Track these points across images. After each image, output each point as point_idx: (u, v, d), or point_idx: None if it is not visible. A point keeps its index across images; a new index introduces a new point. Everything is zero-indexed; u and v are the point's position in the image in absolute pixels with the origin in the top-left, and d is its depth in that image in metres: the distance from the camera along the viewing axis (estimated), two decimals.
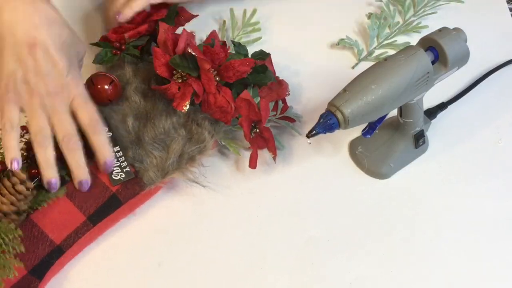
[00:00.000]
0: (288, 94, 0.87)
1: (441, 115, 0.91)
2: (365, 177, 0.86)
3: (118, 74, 0.85)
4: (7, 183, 0.72)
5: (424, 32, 0.96)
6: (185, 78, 0.80)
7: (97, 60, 0.87)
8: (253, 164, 0.82)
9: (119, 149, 0.79)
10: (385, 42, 1.00)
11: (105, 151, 0.74)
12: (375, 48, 0.99)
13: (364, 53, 0.99)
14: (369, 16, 1.02)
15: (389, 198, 0.84)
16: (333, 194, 0.84)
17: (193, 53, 0.77)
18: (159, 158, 0.79)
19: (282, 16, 1.02)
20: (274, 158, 0.83)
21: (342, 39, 0.98)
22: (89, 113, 0.74)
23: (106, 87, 0.81)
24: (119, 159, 0.79)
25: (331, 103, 0.73)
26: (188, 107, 0.78)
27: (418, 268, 0.79)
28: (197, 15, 0.94)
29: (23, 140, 0.78)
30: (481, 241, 0.81)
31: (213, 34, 0.88)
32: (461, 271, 0.79)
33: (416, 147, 0.85)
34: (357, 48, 0.98)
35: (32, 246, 0.74)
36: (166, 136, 0.80)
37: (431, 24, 1.00)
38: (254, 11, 0.99)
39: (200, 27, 0.97)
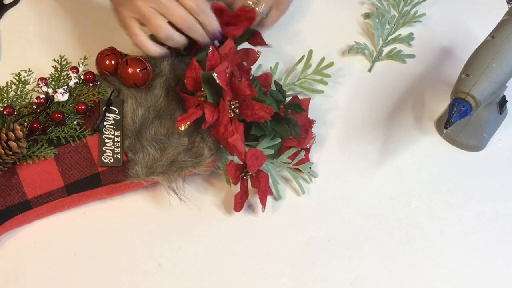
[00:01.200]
0: (309, 147, 0.86)
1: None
2: (365, 178, 0.87)
3: (155, 62, 0.86)
4: (2, 135, 0.75)
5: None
6: (202, 99, 0.80)
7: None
8: (237, 207, 0.81)
9: (119, 134, 0.81)
10: (390, 38, 0.99)
11: (213, 24, 0.83)
12: (382, 46, 0.99)
13: (374, 54, 0.98)
14: (365, 16, 1.01)
15: (389, 198, 0.86)
16: (333, 194, 0.86)
17: (217, 81, 0.77)
18: (152, 156, 0.80)
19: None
20: (262, 209, 0.82)
21: (352, 46, 0.98)
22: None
23: (138, 71, 0.82)
24: (116, 143, 0.80)
25: (459, 90, 0.76)
26: (186, 127, 0.78)
27: (418, 268, 0.80)
28: (270, 46, 0.93)
29: (40, 91, 0.81)
30: (480, 241, 0.83)
31: (267, 75, 0.88)
32: (461, 271, 0.80)
33: (500, 113, 0.89)
34: (368, 50, 0.98)
35: (5, 193, 0.77)
36: (166, 139, 0.81)
37: (429, 11, 1.01)
38: (331, 64, 0.95)
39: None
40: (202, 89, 0.80)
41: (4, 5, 1.01)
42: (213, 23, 0.84)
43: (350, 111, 0.93)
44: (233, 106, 0.79)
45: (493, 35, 0.80)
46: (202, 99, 0.80)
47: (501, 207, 0.85)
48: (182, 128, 0.78)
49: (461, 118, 0.76)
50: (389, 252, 0.81)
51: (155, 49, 0.82)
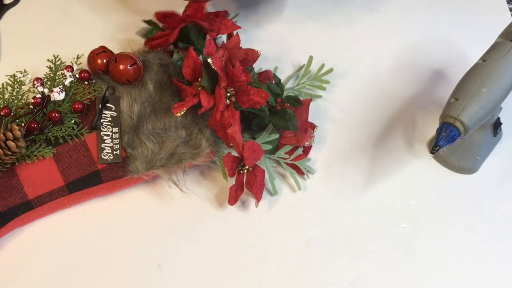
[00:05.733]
0: (307, 145, 0.85)
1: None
2: (365, 178, 0.86)
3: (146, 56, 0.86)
4: (0, 135, 0.75)
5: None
6: (200, 89, 0.79)
7: (141, 33, 0.91)
8: (231, 200, 0.80)
9: (117, 130, 0.80)
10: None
11: None
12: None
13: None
14: None
15: (389, 198, 0.85)
16: (333, 194, 0.85)
17: (212, 66, 0.76)
18: (151, 150, 0.80)
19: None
20: (256, 204, 0.81)
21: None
22: None
23: (128, 67, 0.82)
24: (114, 140, 0.80)
25: (447, 115, 0.74)
26: (182, 113, 0.78)
27: (418, 268, 0.80)
28: (240, 27, 0.91)
29: (36, 91, 0.81)
30: (480, 241, 0.82)
31: (268, 72, 0.88)
32: (461, 271, 0.80)
33: (494, 135, 0.87)
34: None
35: (6, 194, 0.77)
36: (163, 132, 0.81)
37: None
38: (330, 70, 0.95)
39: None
40: (199, 79, 0.80)
41: (4, 5, 1.01)
42: None
43: (351, 110, 0.92)
44: (229, 94, 0.79)
45: (484, 58, 0.77)
46: (199, 88, 0.80)
47: (501, 207, 0.84)
48: (178, 115, 0.78)
49: (449, 143, 0.74)
50: (389, 252, 0.81)
51: None
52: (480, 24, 1.02)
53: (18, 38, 0.98)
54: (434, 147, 0.74)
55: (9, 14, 1.01)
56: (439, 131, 0.74)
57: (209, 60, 0.76)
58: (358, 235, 0.82)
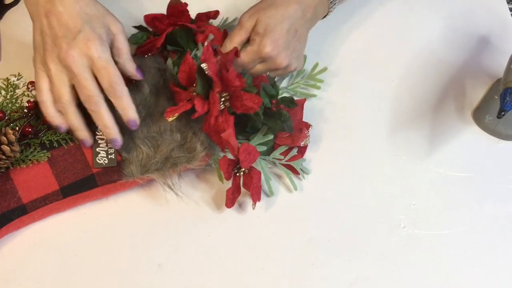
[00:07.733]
0: (303, 145, 0.85)
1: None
2: (364, 177, 0.86)
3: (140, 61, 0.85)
4: None
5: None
6: (194, 94, 0.79)
7: (132, 40, 0.90)
8: (228, 203, 0.80)
9: None
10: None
11: (127, 113, 0.75)
12: None
13: None
14: None
15: (389, 198, 0.85)
16: (333, 194, 0.85)
17: (206, 72, 0.75)
18: (146, 154, 0.80)
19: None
20: (253, 206, 0.81)
21: None
22: (108, 76, 0.73)
23: None
24: (109, 144, 0.80)
25: (509, 80, 0.79)
26: (174, 118, 0.77)
27: (418, 269, 0.80)
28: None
29: (30, 95, 0.81)
30: (481, 241, 0.82)
31: (262, 77, 0.87)
32: (461, 271, 0.80)
33: None
34: None
35: (0, 198, 0.77)
36: (159, 136, 0.80)
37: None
38: (324, 69, 0.94)
39: None
40: (194, 84, 0.79)
41: (5, 5, 1.01)
42: (129, 112, 0.75)
43: (345, 109, 0.92)
44: (223, 99, 0.78)
45: None
46: (194, 93, 0.79)
47: (501, 207, 0.84)
48: (170, 120, 0.77)
49: None
50: (389, 252, 0.81)
51: (54, 118, 0.75)
52: (480, 24, 1.01)
53: (18, 38, 0.98)
54: (500, 112, 0.77)
55: (9, 14, 1.01)
56: (503, 96, 0.78)
57: (204, 65, 0.76)
58: (358, 235, 0.82)
